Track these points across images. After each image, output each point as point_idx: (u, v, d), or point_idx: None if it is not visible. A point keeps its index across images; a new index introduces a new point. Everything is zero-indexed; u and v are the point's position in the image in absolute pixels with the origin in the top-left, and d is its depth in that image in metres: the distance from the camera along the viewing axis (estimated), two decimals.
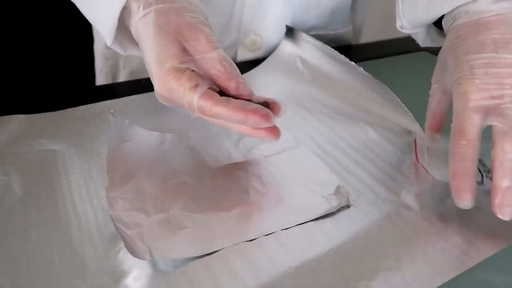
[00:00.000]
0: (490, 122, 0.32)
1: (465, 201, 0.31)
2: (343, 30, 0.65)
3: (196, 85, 0.32)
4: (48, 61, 1.12)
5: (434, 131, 0.39)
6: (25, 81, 1.11)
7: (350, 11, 0.65)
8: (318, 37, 0.52)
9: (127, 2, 0.37)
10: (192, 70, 0.33)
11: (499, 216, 0.31)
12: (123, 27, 0.40)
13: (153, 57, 0.34)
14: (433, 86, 0.38)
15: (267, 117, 0.33)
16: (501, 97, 0.32)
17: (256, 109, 0.33)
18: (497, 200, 0.31)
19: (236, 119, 0.33)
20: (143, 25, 0.35)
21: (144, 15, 0.35)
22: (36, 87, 1.12)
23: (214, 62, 0.33)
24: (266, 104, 0.35)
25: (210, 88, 0.33)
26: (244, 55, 0.58)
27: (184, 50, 0.33)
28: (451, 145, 0.33)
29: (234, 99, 0.33)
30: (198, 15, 0.35)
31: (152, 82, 0.36)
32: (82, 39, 0.77)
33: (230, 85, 0.33)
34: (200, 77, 0.33)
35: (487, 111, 0.32)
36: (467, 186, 0.31)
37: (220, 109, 0.32)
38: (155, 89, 0.35)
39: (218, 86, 0.34)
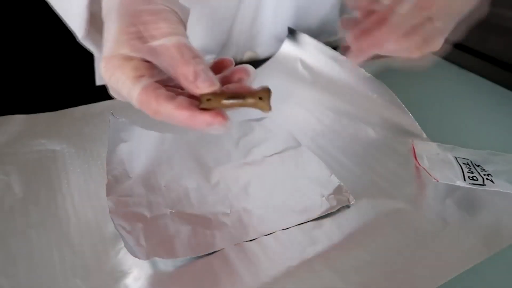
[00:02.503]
0: None
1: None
2: (333, 39, 0.66)
3: (141, 76, 0.28)
4: (48, 60, 1.12)
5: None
6: (25, 81, 1.11)
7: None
8: None
9: None
10: (146, 61, 0.29)
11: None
12: (95, 25, 0.37)
13: (105, 40, 0.30)
14: None
15: (220, 116, 0.27)
16: None
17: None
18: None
19: (180, 118, 0.27)
20: (107, 5, 0.31)
21: None
22: (36, 87, 1.11)
23: (171, 48, 0.28)
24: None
25: (160, 82, 0.29)
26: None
27: (140, 37, 0.28)
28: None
29: (181, 96, 0.28)
30: (169, 2, 0.30)
31: None
32: None
33: (187, 73, 0.27)
34: (150, 69, 0.29)
35: None
36: None
37: (162, 105, 0.27)
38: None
39: (175, 78, 0.28)
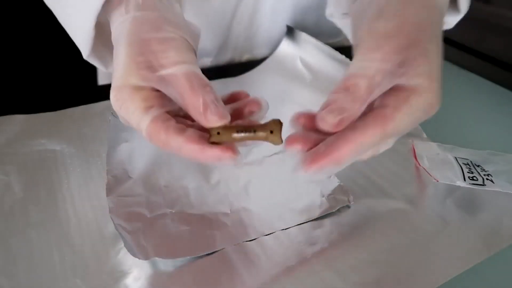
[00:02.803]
0: None
1: None
2: (332, 40, 0.66)
3: (150, 107, 0.27)
4: (49, 60, 1.12)
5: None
6: (25, 81, 1.11)
7: None
8: None
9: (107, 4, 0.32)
10: (156, 91, 0.28)
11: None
12: (102, 37, 0.37)
13: (114, 69, 0.29)
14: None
15: (230, 151, 0.27)
16: None
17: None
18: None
19: (190, 152, 0.27)
20: (116, 30, 0.31)
21: (122, 21, 0.30)
22: (36, 87, 1.12)
23: (181, 77, 0.27)
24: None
25: (170, 113, 0.28)
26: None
27: (150, 66, 0.28)
28: None
29: (191, 129, 0.27)
30: (179, 29, 0.30)
31: None
32: None
33: (197, 104, 0.26)
34: (160, 99, 0.28)
35: None
36: None
37: (171, 138, 0.26)
38: None
39: (185, 108, 0.28)
